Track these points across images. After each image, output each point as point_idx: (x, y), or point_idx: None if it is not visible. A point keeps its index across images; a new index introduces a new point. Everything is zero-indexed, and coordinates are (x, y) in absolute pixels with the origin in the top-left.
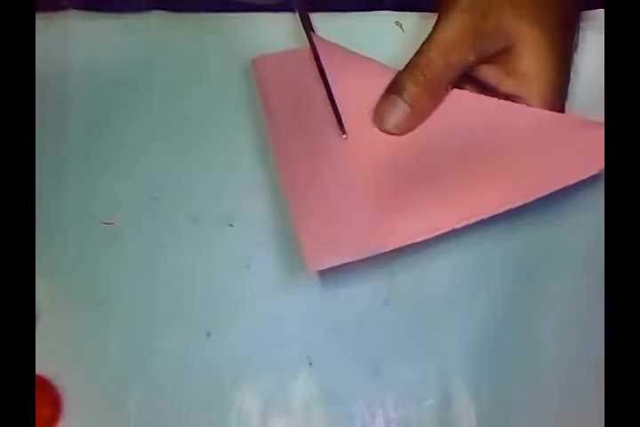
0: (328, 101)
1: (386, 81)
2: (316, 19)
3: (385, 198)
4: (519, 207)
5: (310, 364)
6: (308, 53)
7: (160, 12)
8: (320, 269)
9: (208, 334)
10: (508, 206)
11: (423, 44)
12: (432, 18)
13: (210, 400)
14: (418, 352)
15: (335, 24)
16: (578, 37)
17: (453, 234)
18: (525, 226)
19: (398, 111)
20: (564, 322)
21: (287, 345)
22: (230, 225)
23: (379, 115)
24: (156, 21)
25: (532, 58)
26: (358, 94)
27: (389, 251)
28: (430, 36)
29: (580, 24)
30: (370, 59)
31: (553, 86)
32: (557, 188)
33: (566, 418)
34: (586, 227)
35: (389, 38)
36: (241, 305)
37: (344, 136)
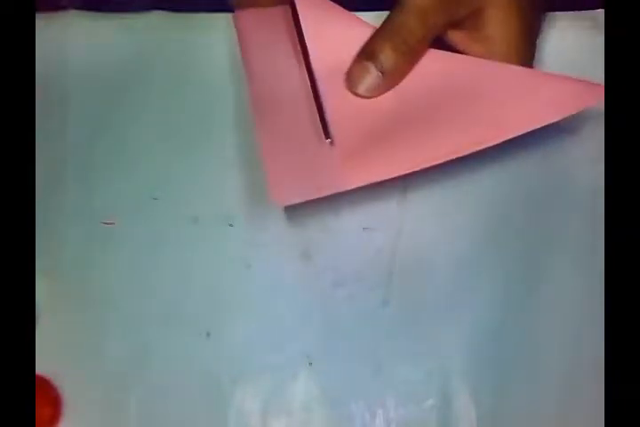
0: (309, 66)
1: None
2: None
3: (353, 141)
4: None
5: (310, 364)
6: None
7: (160, 12)
8: (284, 205)
9: (208, 334)
10: (477, 148)
11: (397, 9)
12: None
13: (210, 400)
14: (418, 352)
15: None
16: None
17: (452, 229)
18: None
19: (371, 78)
20: (564, 322)
21: (287, 345)
22: (230, 225)
23: (351, 80)
24: (155, 21)
25: (499, 24)
26: (336, 51)
27: (389, 250)
28: (405, 1)
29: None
30: (352, 15)
31: (519, 53)
32: (522, 132)
33: (566, 418)
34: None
35: None
36: (241, 305)
37: (328, 140)
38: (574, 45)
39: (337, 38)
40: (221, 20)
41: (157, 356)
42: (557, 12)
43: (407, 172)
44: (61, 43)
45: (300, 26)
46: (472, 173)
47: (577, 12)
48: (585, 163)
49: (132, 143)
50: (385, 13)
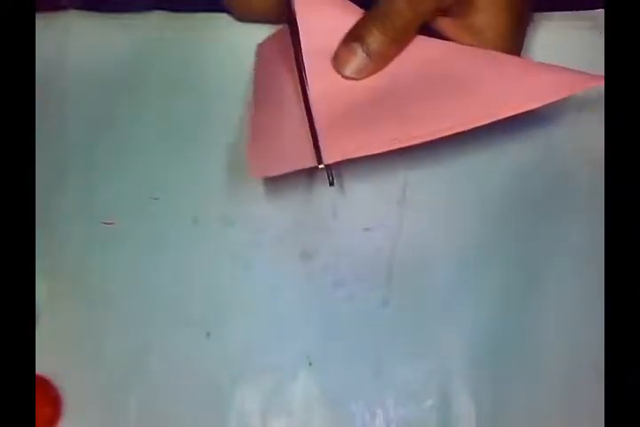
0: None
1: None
2: None
3: (334, 118)
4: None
5: (310, 364)
6: None
7: (160, 11)
8: (261, 177)
9: (208, 334)
10: (456, 130)
11: None
12: None
13: (210, 400)
14: (418, 352)
15: None
16: None
17: (452, 229)
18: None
19: (357, 59)
20: (564, 322)
21: (287, 345)
22: (230, 225)
23: (338, 61)
24: (155, 21)
25: (488, 12)
26: (328, 35)
27: (388, 250)
28: None
29: None
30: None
31: (507, 42)
32: (503, 116)
33: (566, 418)
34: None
35: None
36: (241, 305)
37: (321, 166)
38: (574, 45)
39: (329, 23)
40: (221, 20)
41: (157, 356)
42: (557, 12)
43: (386, 150)
44: (61, 43)
45: (293, 10)
46: (472, 173)
47: (577, 12)
48: (585, 163)
49: (132, 143)
50: None
